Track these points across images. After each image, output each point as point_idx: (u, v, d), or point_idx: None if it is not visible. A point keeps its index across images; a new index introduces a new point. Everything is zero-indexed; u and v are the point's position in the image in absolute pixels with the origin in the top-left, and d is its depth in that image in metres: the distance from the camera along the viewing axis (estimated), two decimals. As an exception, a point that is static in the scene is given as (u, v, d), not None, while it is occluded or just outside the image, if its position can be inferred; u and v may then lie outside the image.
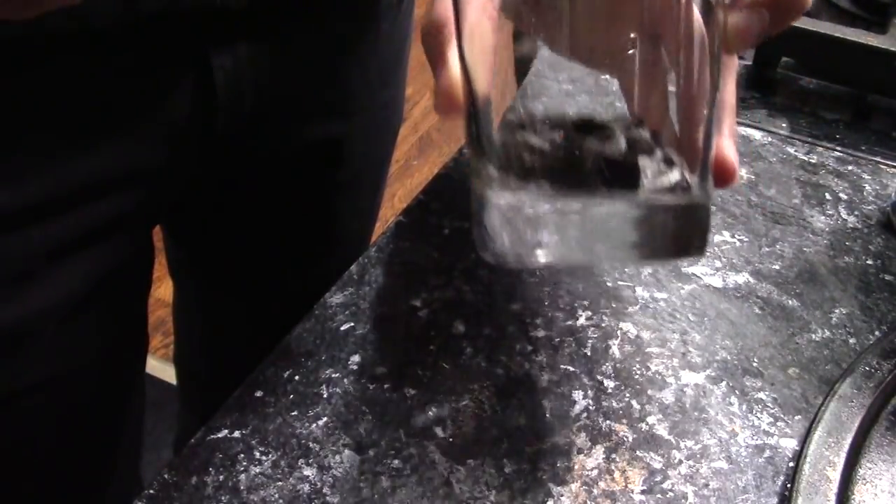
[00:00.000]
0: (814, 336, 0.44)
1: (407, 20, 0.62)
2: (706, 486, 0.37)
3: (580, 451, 0.38)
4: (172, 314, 0.78)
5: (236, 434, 0.39)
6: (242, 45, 0.49)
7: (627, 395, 0.41)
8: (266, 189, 0.60)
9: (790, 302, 0.46)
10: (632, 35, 0.34)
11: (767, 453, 0.39)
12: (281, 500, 0.36)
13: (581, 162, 0.33)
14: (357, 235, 0.70)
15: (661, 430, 0.39)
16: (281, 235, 0.64)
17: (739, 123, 0.58)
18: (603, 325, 0.44)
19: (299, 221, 0.64)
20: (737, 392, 0.41)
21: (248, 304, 0.70)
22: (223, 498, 0.36)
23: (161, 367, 1.36)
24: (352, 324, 0.44)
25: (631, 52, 0.34)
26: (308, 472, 0.37)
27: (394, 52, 0.61)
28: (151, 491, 0.37)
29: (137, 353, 0.62)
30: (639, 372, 0.42)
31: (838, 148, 0.57)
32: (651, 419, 0.40)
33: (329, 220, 0.66)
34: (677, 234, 0.35)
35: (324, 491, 0.36)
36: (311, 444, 0.38)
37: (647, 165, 0.33)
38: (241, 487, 0.37)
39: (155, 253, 0.59)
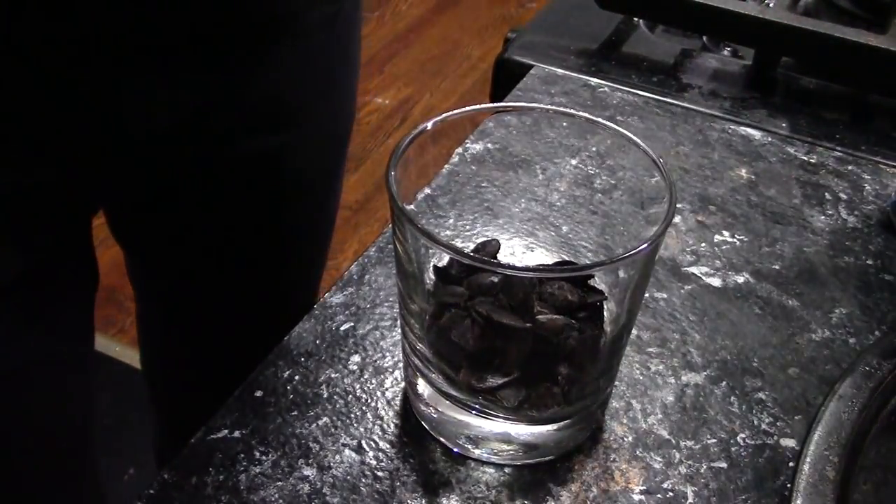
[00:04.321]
0: (814, 336, 0.44)
1: (349, 32, 0.61)
2: (706, 486, 0.37)
3: (580, 451, 0.38)
4: (136, 324, 0.77)
5: (236, 434, 0.39)
6: (157, 73, 0.48)
7: (627, 395, 0.41)
8: (211, 199, 0.60)
9: (790, 302, 0.46)
10: None
11: (767, 453, 0.39)
12: (281, 500, 0.36)
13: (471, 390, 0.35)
14: (313, 242, 0.70)
15: (661, 430, 0.39)
16: (232, 246, 0.64)
17: (739, 123, 0.58)
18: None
19: (249, 231, 0.64)
20: (737, 392, 0.41)
21: (206, 313, 0.69)
22: (223, 498, 0.36)
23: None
24: (352, 324, 0.44)
25: None
26: (308, 472, 0.37)
27: (331, 65, 0.60)
28: (151, 491, 0.37)
29: (79, 359, 0.60)
30: (639, 372, 0.42)
31: (838, 148, 0.57)
32: (651, 419, 0.40)
33: (279, 228, 0.65)
34: (552, 445, 0.38)
35: (324, 491, 0.36)
36: (311, 444, 0.38)
37: (532, 396, 0.35)
38: (241, 487, 0.37)
39: (96, 260, 0.58)
